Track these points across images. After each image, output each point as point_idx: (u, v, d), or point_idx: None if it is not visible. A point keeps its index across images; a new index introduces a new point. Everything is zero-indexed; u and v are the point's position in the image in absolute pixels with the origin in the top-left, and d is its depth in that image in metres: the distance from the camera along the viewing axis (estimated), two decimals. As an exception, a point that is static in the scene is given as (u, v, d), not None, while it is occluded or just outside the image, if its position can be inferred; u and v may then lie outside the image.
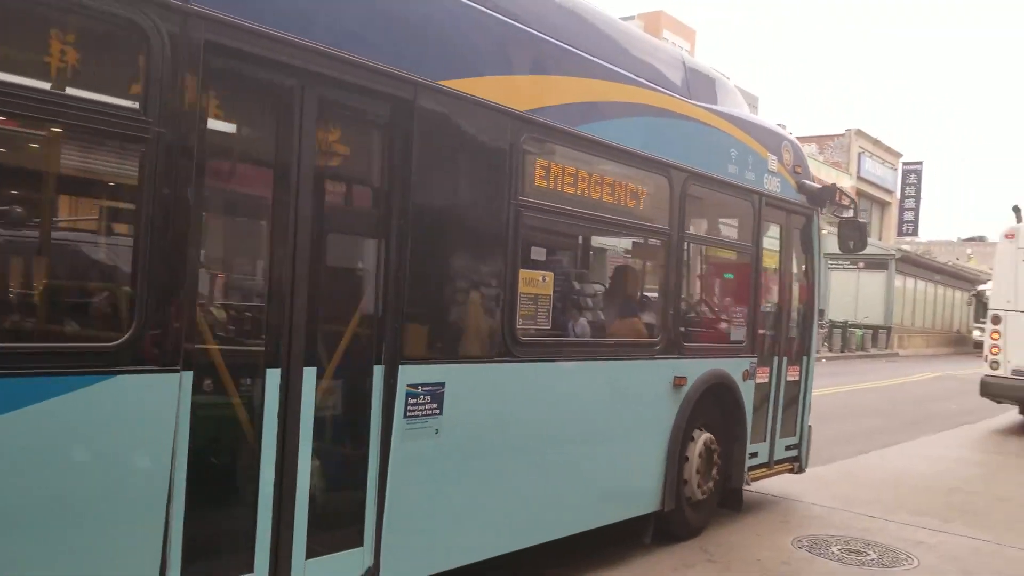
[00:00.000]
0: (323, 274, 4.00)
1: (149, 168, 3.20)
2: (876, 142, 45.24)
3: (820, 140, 42.23)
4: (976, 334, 39.20)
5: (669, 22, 35.11)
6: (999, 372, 13.19)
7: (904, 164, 48.81)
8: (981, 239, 65.71)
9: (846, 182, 38.26)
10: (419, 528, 4.29)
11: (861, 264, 36.67)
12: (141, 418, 3.17)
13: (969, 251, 62.78)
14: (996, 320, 13.31)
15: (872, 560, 6.22)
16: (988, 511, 8.05)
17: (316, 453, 3.86)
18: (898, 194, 48.78)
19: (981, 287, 39.83)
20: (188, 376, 3.31)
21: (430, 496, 4.34)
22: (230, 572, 3.61)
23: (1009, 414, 15.32)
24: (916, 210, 48.47)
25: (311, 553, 3.85)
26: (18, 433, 2.85)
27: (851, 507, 7.79)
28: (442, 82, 4.30)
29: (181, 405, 3.27)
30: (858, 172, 42.84)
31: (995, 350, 13.27)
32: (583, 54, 5.29)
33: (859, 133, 43.66)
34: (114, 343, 3.11)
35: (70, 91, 3.11)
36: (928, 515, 7.65)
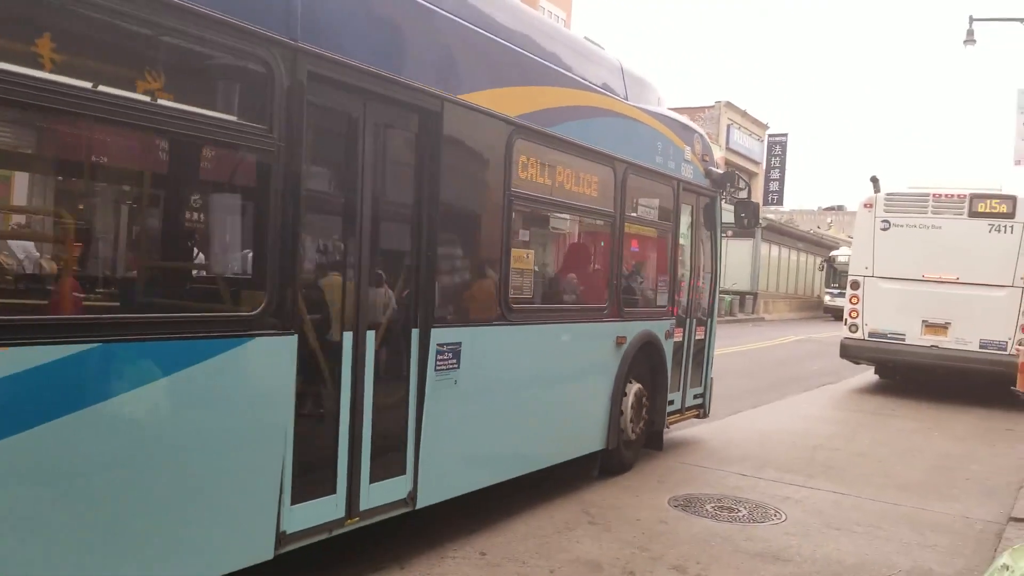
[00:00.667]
0: (378, 256, 4.91)
1: (273, 175, 4.09)
2: (744, 114, 46.67)
3: (691, 112, 43.22)
4: (827, 299, 41.18)
5: (546, -10, 35.11)
6: (857, 335, 13.90)
7: (770, 136, 50.52)
8: (840, 208, 68.78)
9: (716, 153, 39.25)
10: (445, 459, 5.36)
11: (729, 232, 37.90)
12: (271, 369, 4.13)
13: (829, 220, 65.69)
14: (855, 285, 14.01)
15: (743, 516, 6.48)
16: (848, 466, 8.51)
17: (374, 399, 4.78)
18: (764, 165, 50.54)
19: (833, 253, 41.85)
20: (295, 338, 4.23)
21: (452, 434, 5.40)
22: (319, 493, 4.51)
23: (866, 374, 16.23)
24: (781, 180, 50.30)
25: (373, 478, 4.83)
26: (197, 379, 3.75)
27: (723, 466, 8.09)
28: (461, 96, 5.30)
29: (295, 359, 4.22)
30: (727, 143, 44.12)
31: (854, 314, 13.97)
32: (554, 67, 6.39)
33: (728, 105, 44.92)
34: (252, 312, 4.04)
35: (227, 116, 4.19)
36: (794, 471, 8.03)
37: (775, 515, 6.57)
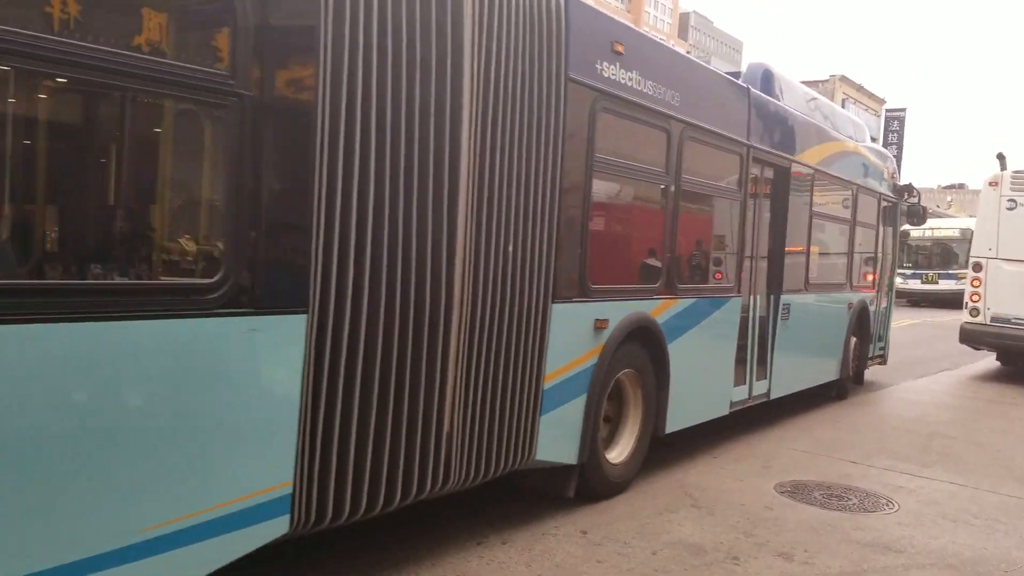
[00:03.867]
0: (765, 254, 8.58)
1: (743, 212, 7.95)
2: (860, 88, 45.14)
3: (805, 86, 42.07)
4: (898, 281, 39.27)
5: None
6: (979, 319, 13.30)
7: (887, 111, 48.76)
8: (961, 186, 65.74)
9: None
10: (780, 372, 8.67)
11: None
12: (730, 314, 7.64)
13: (949, 199, 62.91)
14: (977, 267, 13.39)
15: (853, 505, 6.30)
16: (965, 456, 8.17)
17: (759, 331, 8.42)
18: (880, 141, 48.75)
19: (906, 227, 39.77)
20: (738, 298, 7.90)
21: (783, 356, 8.65)
22: (755, 379, 8.39)
23: (987, 360, 15.52)
24: (899, 157, 48.48)
25: (757, 378, 8.46)
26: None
27: (833, 452, 7.88)
28: (794, 156, 8.72)
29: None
30: (841, 119, 42.70)
31: (975, 297, 13.37)
32: (828, 130, 9.83)
33: (843, 79, 43.56)
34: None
35: None
36: (908, 460, 7.76)
37: (887, 504, 6.37)
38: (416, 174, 4.18)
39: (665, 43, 7.44)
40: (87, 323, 2.99)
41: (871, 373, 12.43)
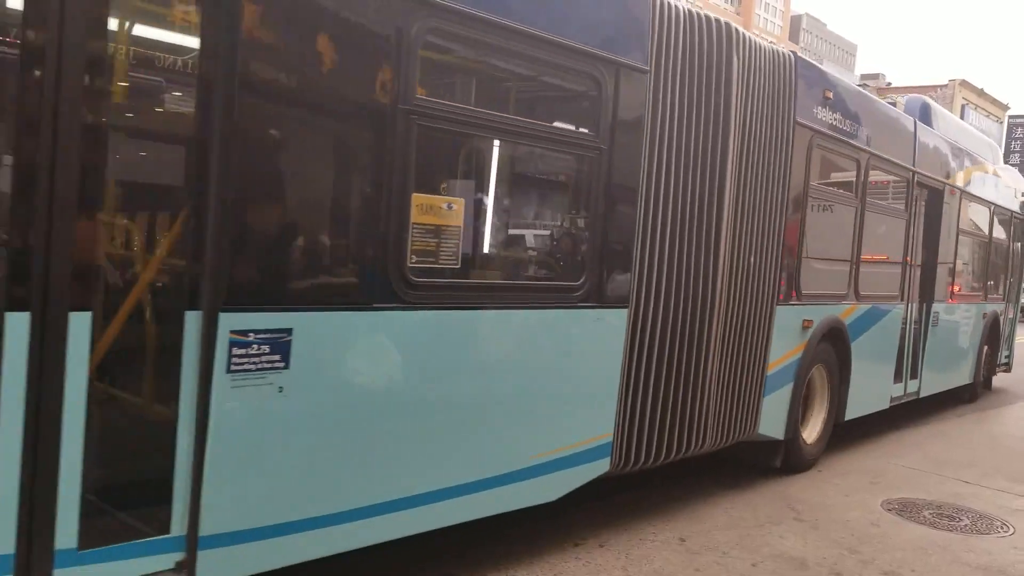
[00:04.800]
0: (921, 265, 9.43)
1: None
2: (981, 93, 43.30)
3: (922, 91, 40.62)
4: None
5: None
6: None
7: (1010, 117, 46.65)
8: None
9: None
10: (929, 371, 9.65)
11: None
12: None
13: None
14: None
15: (965, 526, 6.08)
16: (1089, 481, 7.76)
17: (914, 337, 9.29)
18: (1003, 148, 46.70)
19: None
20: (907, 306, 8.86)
21: (931, 357, 9.58)
22: (908, 377, 9.13)
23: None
24: (1022, 165, 46.38)
25: (910, 376, 9.23)
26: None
27: (944, 470, 7.61)
28: (947, 180, 9.57)
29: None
30: (961, 125, 41.11)
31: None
32: (972, 152, 10.52)
33: (963, 84, 41.87)
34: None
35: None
36: (1025, 482, 7.43)
37: (1002, 527, 6.11)
38: (697, 203, 5.40)
39: (843, 77, 8.18)
40: (507, 311, 4.45)
41: (996, 381, 13.15)
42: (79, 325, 2.87)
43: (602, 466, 4.98)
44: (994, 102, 44.83)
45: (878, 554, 5.37)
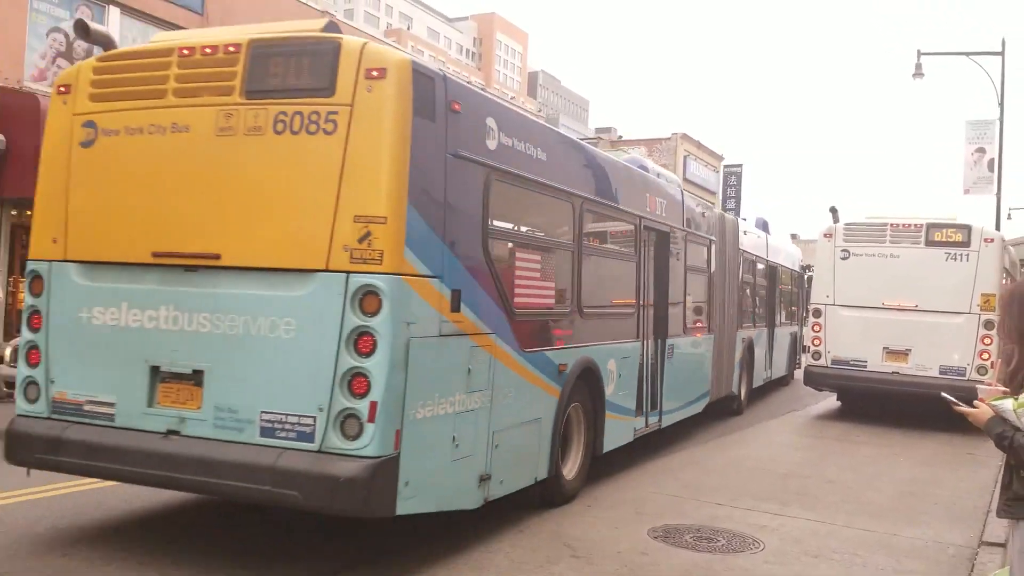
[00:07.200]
0: None
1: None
2: (699, 145, 47.39)
3: (649, 143, 43.87)
4: None
5: (503, 25, 35.83)
6: (820, 362, 14.12)
7: (725, 167, 51.36)
8: (794, 236, 69.79)
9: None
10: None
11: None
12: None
13: (784, 248, 66.50)
14: (817, 313, 14.25)
15: (722, 546, 6.53)
16: (819, 494, 8.61)
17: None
18: (720, 194, 51.27)
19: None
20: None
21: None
22: None
23: (828, 400, 16.46)
24: (736, 210, 50.97)
25: None
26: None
27: (699, 495, 8.14)
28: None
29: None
30: (684, 174, 44.77)
31: (816, 341, 14.20)
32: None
33: (684, 137, 45.61)
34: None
35: None
36: (769, 499, 8.10)
37: (753, 544, 6.62)
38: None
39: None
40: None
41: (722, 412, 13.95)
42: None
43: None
44: (711, 153, 49.20)
45: (651, 582, 5.63)
